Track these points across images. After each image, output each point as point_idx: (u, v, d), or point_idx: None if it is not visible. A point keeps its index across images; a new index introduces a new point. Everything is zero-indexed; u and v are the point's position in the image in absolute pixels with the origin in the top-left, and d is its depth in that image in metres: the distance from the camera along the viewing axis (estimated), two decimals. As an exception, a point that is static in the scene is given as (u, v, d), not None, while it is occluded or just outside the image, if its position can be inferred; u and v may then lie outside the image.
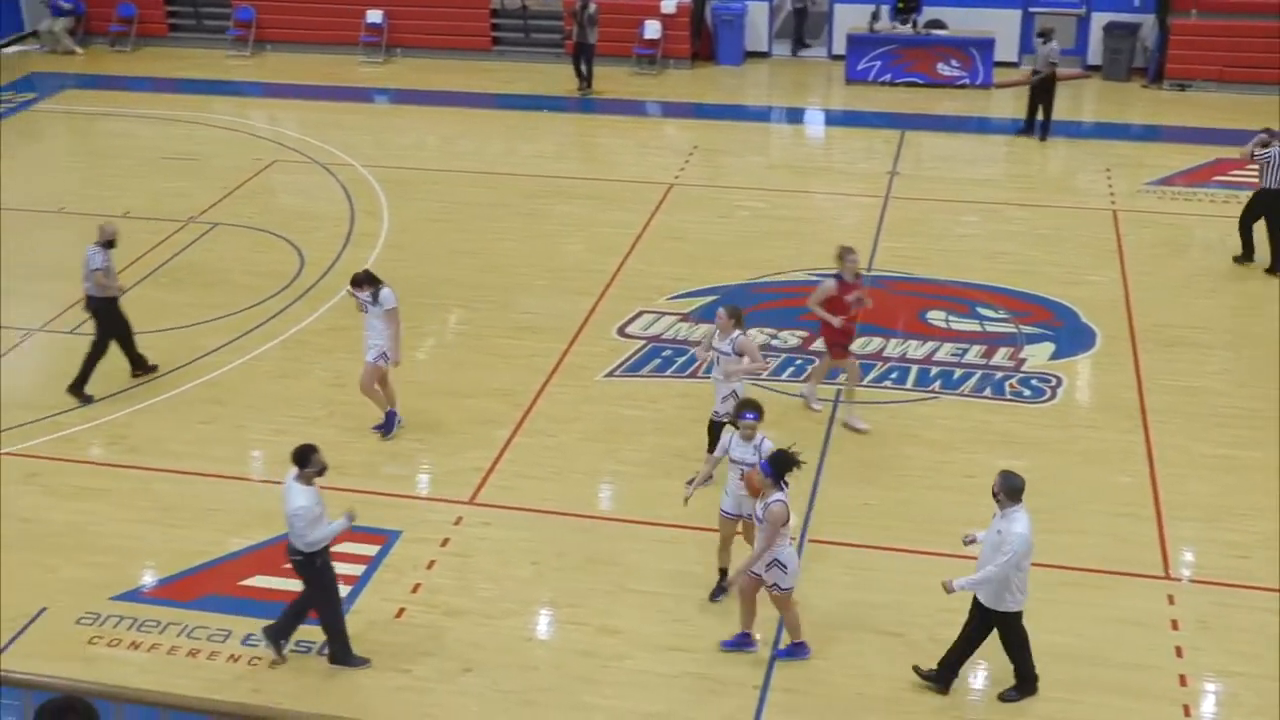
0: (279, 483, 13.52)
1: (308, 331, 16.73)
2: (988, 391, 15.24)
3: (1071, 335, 16.50)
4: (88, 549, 12.74)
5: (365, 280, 14.06)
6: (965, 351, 16.09)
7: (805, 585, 11.93)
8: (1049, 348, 16.21)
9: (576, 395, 15.30)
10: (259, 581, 12.19)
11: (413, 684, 10.99)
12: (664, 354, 16.11)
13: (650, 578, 12.14)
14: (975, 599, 10.55)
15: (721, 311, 13.02)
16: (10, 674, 8.40)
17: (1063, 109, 25.18)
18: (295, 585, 12.00)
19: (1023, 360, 15.89)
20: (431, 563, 12.43)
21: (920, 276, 18.15)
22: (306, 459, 10.72)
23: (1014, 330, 16.62)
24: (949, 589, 10.40)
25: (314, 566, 10.84)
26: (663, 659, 11.26)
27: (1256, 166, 18.16)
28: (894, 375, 15.59)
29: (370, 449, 14.25)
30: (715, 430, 13.04)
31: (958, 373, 15.62)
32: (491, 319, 17.11)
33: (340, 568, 12.30)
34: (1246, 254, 18.37)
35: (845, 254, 14.31)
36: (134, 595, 12.08)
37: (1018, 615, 10.50)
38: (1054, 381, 15.44)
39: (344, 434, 14.49)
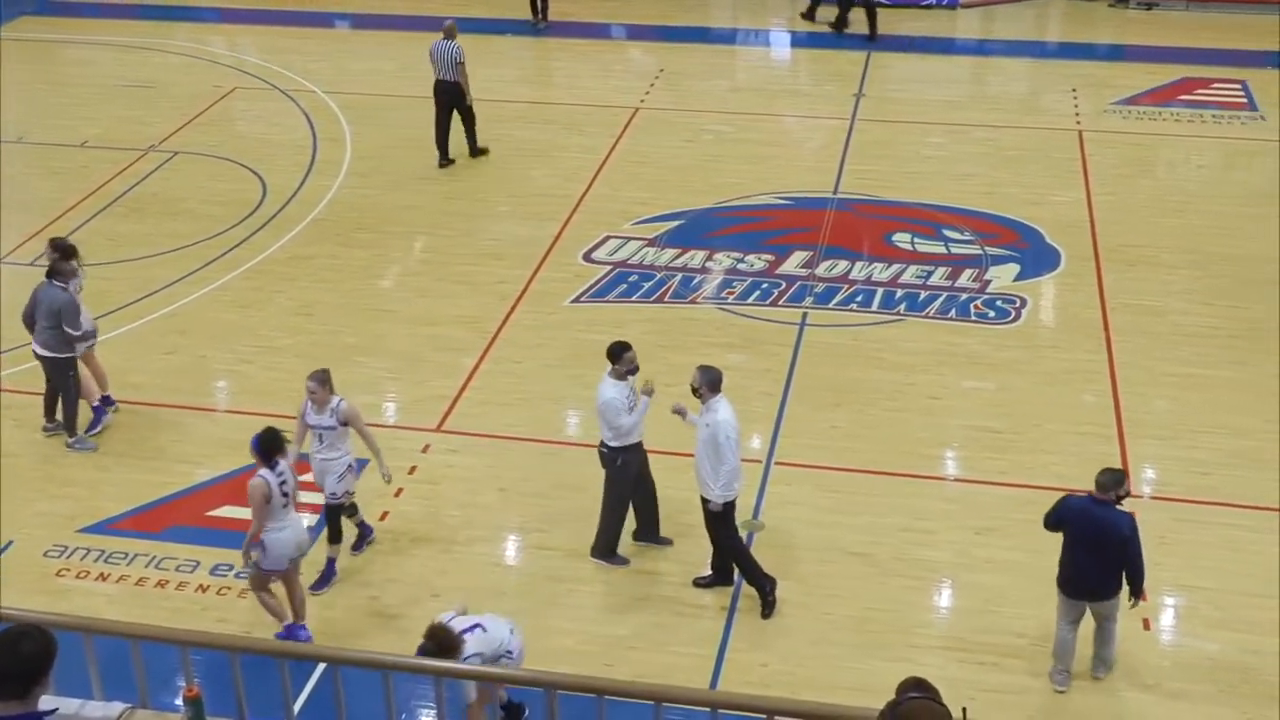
0: (244, 413, 13.59)
1: (271, 260, 16.60)
2: (953, 313, 15.28)
3: (1036, 256, 16.53)
4: (54, 481, 12.70)
5: (58, 249, 13.11)
6: (930, 273, 16.11)
7: (773, 509, 12.01)
8: (1014, 269, 16.25)
9: (542, 321, 15.28)
10: (226, 512, 12.16)
11: (381, 609, 11.05)
12: (630, 279, 16.08)
13: (617, 502, 12.16)
14: (703, 496, 10.83)
15: (310, 382, 11.11)
16: (-24, 606, 8.38)
17: (1029, 29, 25.12)
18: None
19: (987, 282, 15.93)
20: (399, 491, 12.42)
21: (886, 199, 18.11)
22: (616, 356, 11.01)
23: (979, 252, 16.64)
24: (717, 508, 10.68)
25: (615, 463, 11.11)
26: (631, 583, 11.33)
27: None
28: (859, 298, 15.60)
29: (336, 378, 14.12)
30: (336, 516, 11.41)
31: (923, 295, 15.65)
32: (456, 246, 17.02)
33: (308, 497, 12.34)
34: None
35: None
36: (101, 527, 12.06)
37: (729, 505, 10.78)
38: (1018, 302, 15.49)
39: (309, 363, 14.21)
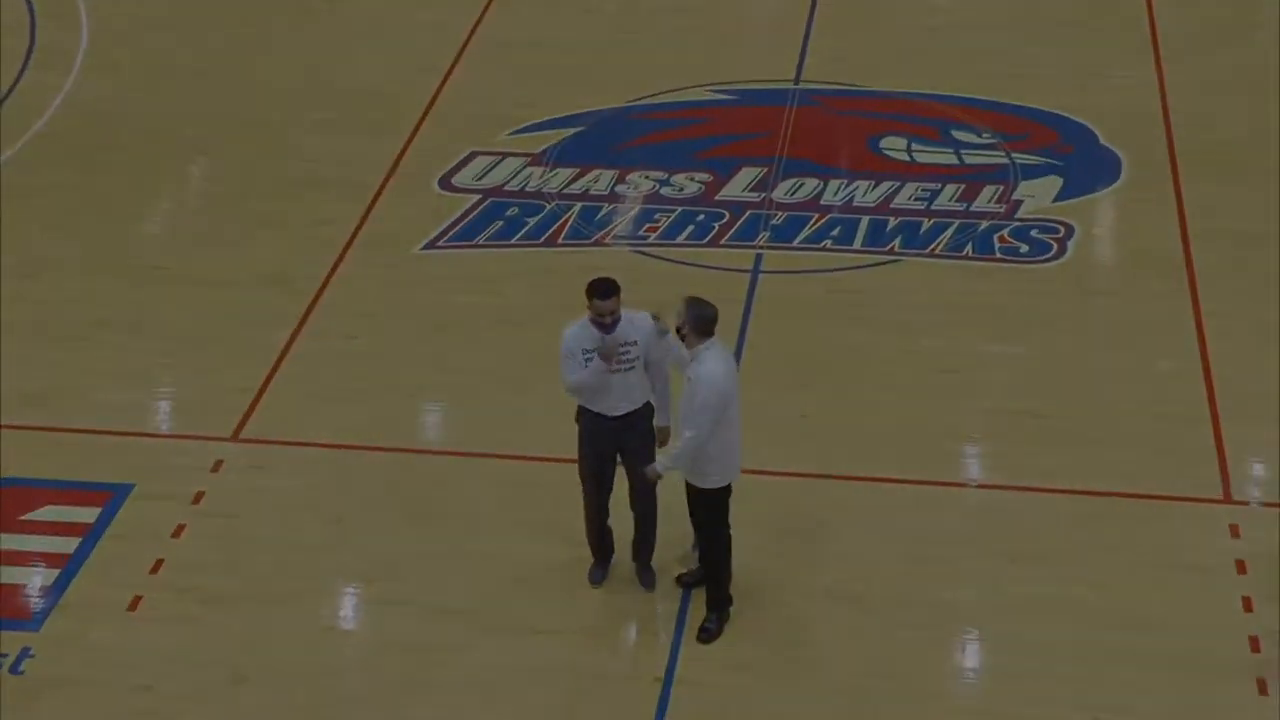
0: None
1: (-23, 198, 16.44)
2: (969, 249, 15.38)
3: (1086, 164, 16.69)
4: None
5: None
6: (936, 193, 16.21)
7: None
8: (1055, 183, 16.39)
9: (384, 277, 15.23)
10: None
11: (158, 706, 10.88)
12: (508, 213, 16.04)
13: (496, 532, 12.17)
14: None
15: None
16: None
17: None
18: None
19: (1017, 203, 16.05)
20: (180, 528, 12.32)
21: (870, 90, 18.21)
22: (587, 295, 10.88)
23: (1005, 161, 16.76)
24: (655, 475, 11.01)
25: (579, 422, 11.37)
26: (518, 647, 11.28)
27: None
28: (835, 231, 15.65)
29: (80, 367, 14.05)
30: None
31: (926, 224, 15.74)
32: (254, 170, 16.95)
33: (45, 543, 12.18)
34: None
35: None
36: None
37: (724, 491, 10.97)
38: (1061, 231, 15.62)
39: (34, 348, 14.31)
